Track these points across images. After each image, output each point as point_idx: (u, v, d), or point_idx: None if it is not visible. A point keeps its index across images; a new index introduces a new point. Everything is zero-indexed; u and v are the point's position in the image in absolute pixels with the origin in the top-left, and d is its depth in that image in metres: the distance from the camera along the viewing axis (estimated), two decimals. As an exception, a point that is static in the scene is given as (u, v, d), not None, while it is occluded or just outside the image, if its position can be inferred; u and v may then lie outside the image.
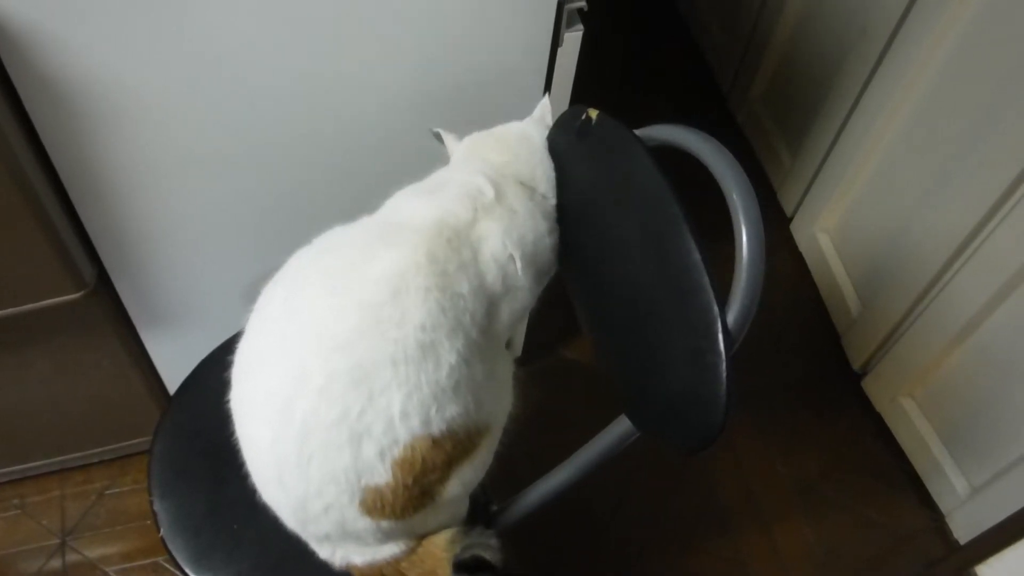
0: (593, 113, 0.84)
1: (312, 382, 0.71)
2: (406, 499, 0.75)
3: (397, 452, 0.72)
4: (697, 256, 0.70)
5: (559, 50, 1.08)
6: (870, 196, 1.72)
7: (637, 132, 0.81)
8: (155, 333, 1.31)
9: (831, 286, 1.87)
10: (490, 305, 0.78)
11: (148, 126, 1.01)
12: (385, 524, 0.77)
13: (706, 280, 0.69)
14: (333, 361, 0.71)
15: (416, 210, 0.81)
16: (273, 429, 0.74)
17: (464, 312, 0.75)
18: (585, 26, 1.07)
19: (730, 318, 0.69)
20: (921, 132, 1.54)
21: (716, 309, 0.68)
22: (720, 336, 0.68)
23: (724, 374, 0.68)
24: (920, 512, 1.63)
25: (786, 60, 2.00)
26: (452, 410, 0.74)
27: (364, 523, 0.76)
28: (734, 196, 0.68)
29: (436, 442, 0.74)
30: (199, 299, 1.28)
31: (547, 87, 1.13)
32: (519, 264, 0.81)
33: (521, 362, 1.70)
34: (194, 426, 1.05)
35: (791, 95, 2.01)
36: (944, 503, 1.61)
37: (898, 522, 1.63)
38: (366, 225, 0.82)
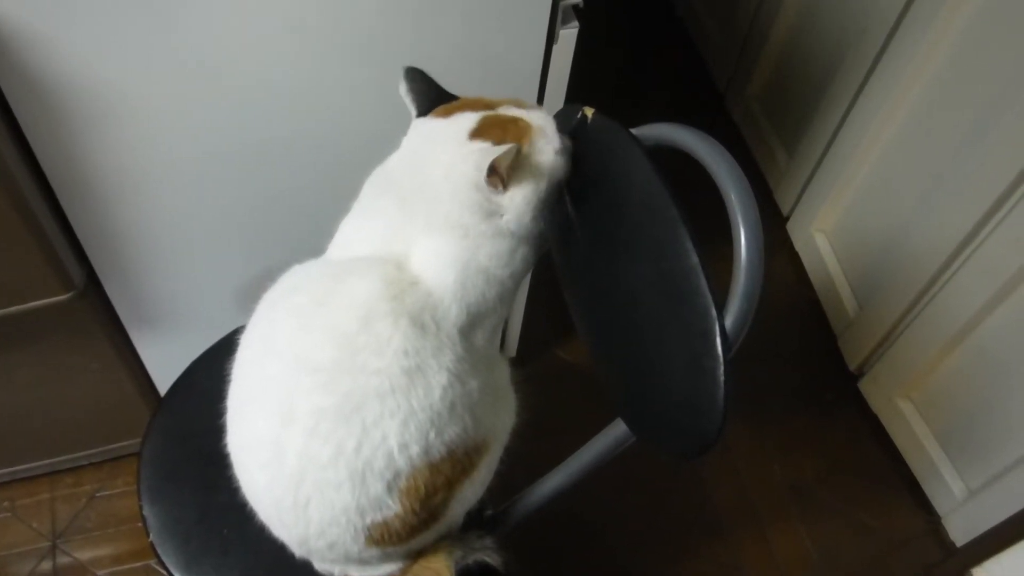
0: (589, 112, 0.82)
1: (299, 423, 0.70)
2: (414, 524, 0.74)
3: (403, 483, 0.71)
4: (695, 259, 0.69)
5: (554, 48, 1.07)
6: (867, 196, 1.71)
7: (634, 131, 0.80)
8: (145, 334, 1.30)
9: (828, 287, 1.86)
10: (460, 329, 0.75)
11: (137, 127, 0.99)
12: (391, 549, 0.76)
13: (704, 284, 0.68)
14: (317, 398, 0.70)
15: (358, 241, 0.79)
16: (267, 473, 0.73)
17: (440, 331, 0.73)
18: (580, 23, 1.05)
19: (728, 322, 0.68)
20: (919, 132, 1.53)
21: (714, 313, 0.67)
22: (718, 340, 0.67)
23: (722, 379, 0.67)
24: (917, 515, 1.62)
25: (783, 59, 2.00)
26: (451, 432, 0.72)
27: (370, 552, 0.76)
28: (732, 197, 0.67)
29: (435, 466, 0.73)
30: (189, 300, 1.27)
31: (542, 85, 1.12)
32: (472, 292, 0.75)
33: (517, 363, 1.69)
34: (184, 430, 1.03)
35: (788, 94, 2.00)
36: (941, 506, 1.60)
37: (895, 525, 1.62)
38: (323, 261, 0.80)
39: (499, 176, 0.72)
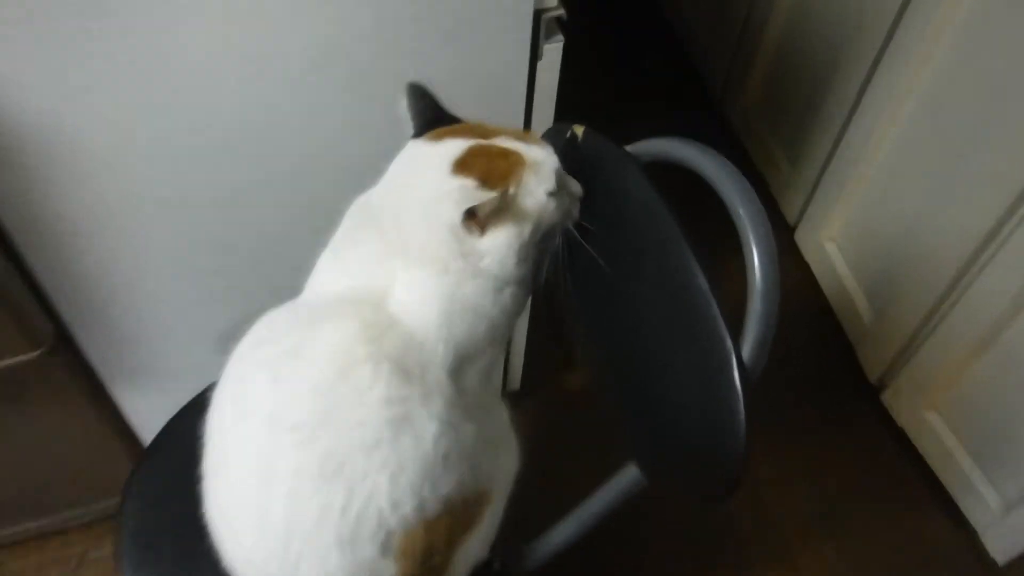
0: (579, 130, 0.78)
1: (280, 486, 0.64)
2: None
3: (398, 544, 0.66)
4: (703, 282, 0.63)
5: (539, 64, 1.03)
6: (877, 199, 1.65)
7: (631, 147, 0.74)
8: (125, 387, 1.26)
9: (841, 296, 1.80)
10: (448, 372, 0.69)
11: (99, 170, 0.95)
12: None
13: (715, 310, 0.63)
14: (296, 457, 0.64)
15: (334, 278, 0.73)
16: (251, 542, 0.68)
17: (426, 375, 0.67)
18: (565, 36, 1.01)
19: (745, 351, 0.62)
20: (928, 129, 1.48)
21: (729, 343, 0.61)
22: (735, 372, 0.61)
23: (743, 413, 0.61)
24: (951, 531, 1.55)
25: (779, 61, 1.95)
26: (447, 484, 0.67)
27: None
28: (743, 216, 0.62)
29: (432, 523, 0.67)
30: (167, 349, 1.22)
31: (528, 104, 1.08)
32: (459, 329, 0.70)
33: (520, 395, 1.64)
34: (162, 494, 0.97)
35: (786, 98, 1.96)
36: (977, 520, 1.53)
37: (928, 542, 1.55)
38: (295, 305, 0.74)
39: (477, 222, 0.66)
